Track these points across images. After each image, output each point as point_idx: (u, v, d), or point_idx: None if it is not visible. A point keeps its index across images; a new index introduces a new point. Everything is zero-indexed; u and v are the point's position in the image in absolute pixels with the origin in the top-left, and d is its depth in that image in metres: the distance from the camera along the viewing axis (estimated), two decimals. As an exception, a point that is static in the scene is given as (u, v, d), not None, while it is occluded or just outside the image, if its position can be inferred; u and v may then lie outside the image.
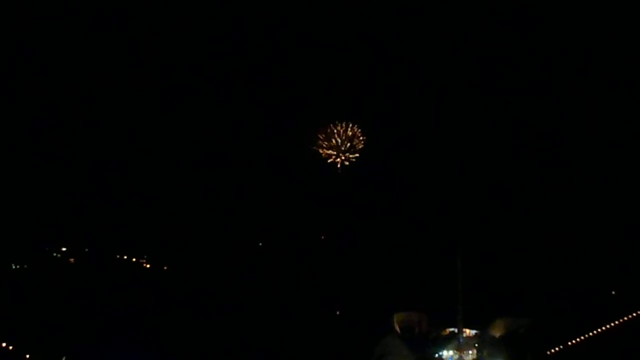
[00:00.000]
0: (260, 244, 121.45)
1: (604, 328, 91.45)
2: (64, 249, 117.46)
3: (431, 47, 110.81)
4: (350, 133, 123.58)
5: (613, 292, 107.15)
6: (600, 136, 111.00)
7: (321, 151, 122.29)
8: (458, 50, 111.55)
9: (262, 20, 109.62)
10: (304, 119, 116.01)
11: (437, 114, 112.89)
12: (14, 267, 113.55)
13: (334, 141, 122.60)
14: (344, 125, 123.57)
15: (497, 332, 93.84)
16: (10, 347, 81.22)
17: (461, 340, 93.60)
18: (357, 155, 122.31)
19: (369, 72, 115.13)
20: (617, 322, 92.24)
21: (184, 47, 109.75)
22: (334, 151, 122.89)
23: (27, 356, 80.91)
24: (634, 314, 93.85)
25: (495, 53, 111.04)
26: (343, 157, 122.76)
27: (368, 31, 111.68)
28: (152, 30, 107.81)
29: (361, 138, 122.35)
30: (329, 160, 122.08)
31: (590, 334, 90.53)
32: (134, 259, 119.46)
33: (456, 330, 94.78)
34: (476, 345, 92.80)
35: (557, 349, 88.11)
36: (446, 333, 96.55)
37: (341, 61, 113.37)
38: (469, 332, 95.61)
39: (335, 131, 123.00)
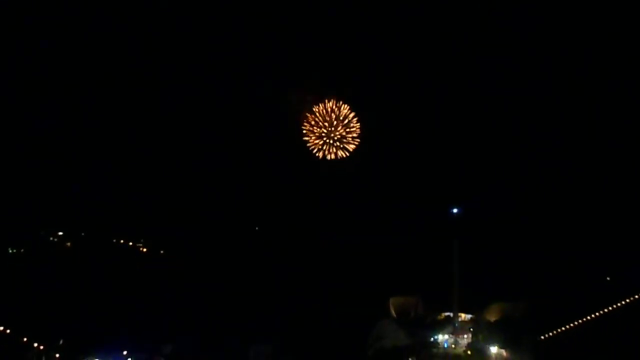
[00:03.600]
0: (257, 228, 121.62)
1: (598, 313, 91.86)
2: (60, 233, 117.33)
3: (431, 41, 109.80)
4: (339, 111, 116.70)
5: (608, 278, 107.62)
6: (593, 127, 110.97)
7: (309, 139, 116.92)
8: (458, 47, 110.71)
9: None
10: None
11: (435, 103, 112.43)
12: (10, 251, 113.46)
13: (320, 124, 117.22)
14: (332, 103, 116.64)
15: (492, 317, 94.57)
16: (8, 331, 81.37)
17: (456, 324, 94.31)
18: (352, 144, 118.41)
19: (366, 59, 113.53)
20: (611, 308, 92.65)
21: (174, 38, 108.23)
22: (320, 139, 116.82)
23: (25, 339, 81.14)
24: (628, 300, 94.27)
25: (495, 49, 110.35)
26: (331, 143, 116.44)
27: (369, 27, 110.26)
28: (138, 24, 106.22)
29: (355, 125, 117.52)
30: (315, 151, 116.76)
31: (585, 319, 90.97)
32: (130, 243, 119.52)
33: (452, 315, 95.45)
34: (471, 329, 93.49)
35: (551, 333, 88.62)
36: (442, 317, 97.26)
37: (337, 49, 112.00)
38: (464, 316, 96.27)
39: (323, 110, 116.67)
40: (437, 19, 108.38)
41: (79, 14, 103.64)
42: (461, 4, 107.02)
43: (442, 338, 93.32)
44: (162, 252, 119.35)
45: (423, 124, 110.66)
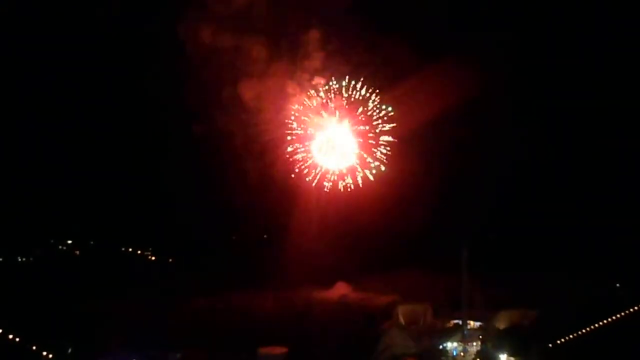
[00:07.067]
0: (265, 236, 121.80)
1: (608, 320, 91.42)
2: (69, 241, 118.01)
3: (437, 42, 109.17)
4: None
5: (617, 285, 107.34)
6: (603, 127, 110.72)
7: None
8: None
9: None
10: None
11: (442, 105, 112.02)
12: (20, 259, 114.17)
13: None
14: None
15: (501, 325, 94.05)
16: (17, 339, 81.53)
17: (465, 332, 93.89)
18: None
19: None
20: (621, 315, 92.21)
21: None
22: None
23: (34, 348, 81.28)
24: (639, 307, 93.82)
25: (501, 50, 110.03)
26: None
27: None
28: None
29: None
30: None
31: (595, 326, 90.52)
32: (139, 252, 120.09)
33: (461, 322, 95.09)
34: (480, 337, 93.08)
35: (561, 341, 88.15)
36: (451, 325, 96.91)
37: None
38: (473, 324, 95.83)
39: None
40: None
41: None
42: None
43: (451, 346, 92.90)
44: (170, 260, 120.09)
45: (430, 129, 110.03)
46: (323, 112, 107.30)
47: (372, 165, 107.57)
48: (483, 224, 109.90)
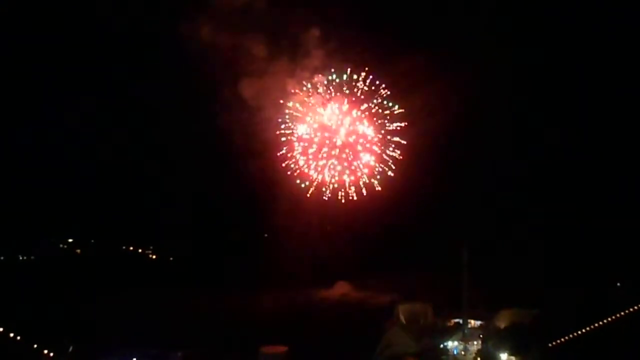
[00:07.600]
0: (266, 235, 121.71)
1: (609, 320, 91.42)
2: (70, 240, 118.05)
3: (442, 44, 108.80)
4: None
5: (618, 284, 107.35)
6: (602, 128, 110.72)
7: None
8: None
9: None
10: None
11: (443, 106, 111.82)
12: (21, 258, 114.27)
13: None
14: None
15: (502, 323, 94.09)
16: (18, 337, 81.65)
17: (466, 331, 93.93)
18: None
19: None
20: (622, 314, 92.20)
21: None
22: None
23: (35, 346, 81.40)
24: (639, 307, 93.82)
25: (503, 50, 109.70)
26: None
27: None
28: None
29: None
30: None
31: (595, 325, 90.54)
32: (139, 250, 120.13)
33: (461, 321, 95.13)
34: (481, 336, 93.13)
35: (561, 340, 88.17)
36: (451, 324, 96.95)
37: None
38: (473, 322, 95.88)
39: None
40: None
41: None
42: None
43: (452, 345, 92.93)
44: (171, 258, 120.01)
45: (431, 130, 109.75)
46: (321, 110, 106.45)
47: (376, 170, 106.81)
48: (483, 224, 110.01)
